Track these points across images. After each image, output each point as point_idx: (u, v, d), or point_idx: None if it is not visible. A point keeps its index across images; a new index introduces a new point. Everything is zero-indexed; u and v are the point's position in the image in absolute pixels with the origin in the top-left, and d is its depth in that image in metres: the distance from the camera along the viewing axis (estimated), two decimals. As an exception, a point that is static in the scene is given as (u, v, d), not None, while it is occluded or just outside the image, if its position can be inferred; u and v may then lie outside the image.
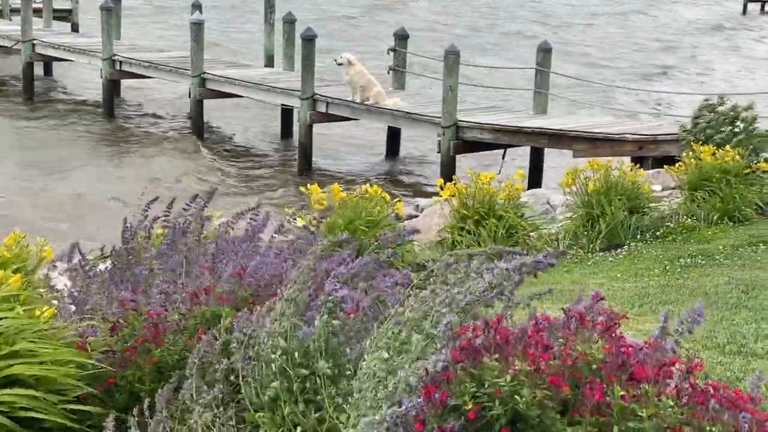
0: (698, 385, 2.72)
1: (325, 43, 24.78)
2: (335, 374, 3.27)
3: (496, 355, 2.81)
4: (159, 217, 5.46)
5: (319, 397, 3.23)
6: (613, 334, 2.82)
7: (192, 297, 4.19)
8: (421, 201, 15.59)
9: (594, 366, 2.78)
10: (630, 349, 2.83)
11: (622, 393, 2.60)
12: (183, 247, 4.87)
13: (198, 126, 22.51)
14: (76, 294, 4.72)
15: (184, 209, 5.27)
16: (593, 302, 2.95)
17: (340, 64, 19.22)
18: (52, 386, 3.54)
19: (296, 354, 3.28)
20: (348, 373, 3.32)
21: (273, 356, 3.29)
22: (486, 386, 2.74)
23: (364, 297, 3.63)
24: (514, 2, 52.92)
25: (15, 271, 5.67)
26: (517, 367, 2.69)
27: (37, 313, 4.18)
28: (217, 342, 3.68)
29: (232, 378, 3.61)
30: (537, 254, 3.26)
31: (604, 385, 2.72)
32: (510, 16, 48.00)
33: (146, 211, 5.50)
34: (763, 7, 56.27)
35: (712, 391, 2.77)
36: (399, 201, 10.44)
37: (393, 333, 3.15)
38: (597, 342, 2.89)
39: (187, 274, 4.73)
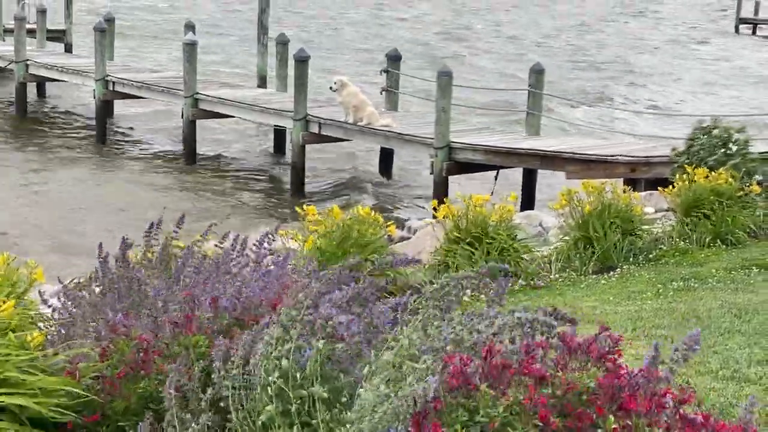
0: (688, 416, 2.69)
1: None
2: (330, 399, 3.25)
3: (485, 384, 2.78)
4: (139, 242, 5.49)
5: (314, 421, 3.21)
6: (612, 363, 2.80)
7: (182, 324, 4.16)
8: (414, 223, 15.58)
9: (584, 397, 2.76)
10: (623, 378, 2.81)
11: (614, 426, 2.58)
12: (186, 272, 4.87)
13: (190, 146, 22.45)
14: (67, 318, 4.69)
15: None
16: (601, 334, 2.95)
17: (334, 91, 19.13)
18: (39, 416, 3.50)
19: (298, 375, 3.26)
20: (344, 399, 3.29)
21: (270, 378, 3.27)
22: (480, 415, 2.71)
23: (358, 321, 3.60)
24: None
25: (6, 295, 5.62)
26: (510, 398, 2.66)
27: (29, 338, 4.14)
28: (194, 369, 3.65)
29: (220, 404, 3.58)
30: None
31: (594, 416, 2.70)
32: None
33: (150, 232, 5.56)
34: (754, 28, 56.41)
35: (702, 421, 2.75)
36: (392, 223, 10.41)
37: (393, 365, 3.10)
38: (590, 370, 2.88)
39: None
